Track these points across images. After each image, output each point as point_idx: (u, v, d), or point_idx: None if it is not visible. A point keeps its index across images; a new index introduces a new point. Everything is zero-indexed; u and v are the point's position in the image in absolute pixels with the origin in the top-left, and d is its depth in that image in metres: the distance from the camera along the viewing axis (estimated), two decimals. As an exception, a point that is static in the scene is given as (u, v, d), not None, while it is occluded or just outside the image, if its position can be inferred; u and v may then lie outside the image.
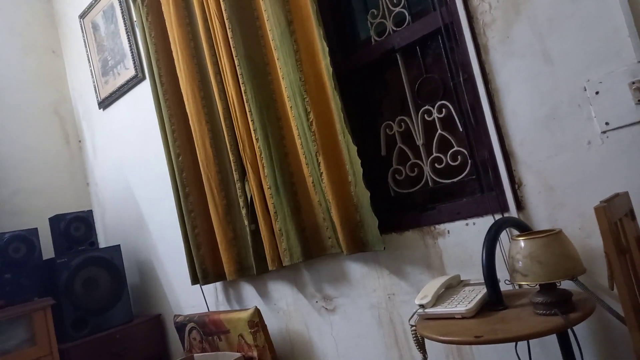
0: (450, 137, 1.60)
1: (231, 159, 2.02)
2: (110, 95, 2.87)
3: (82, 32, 3.05)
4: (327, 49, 1.65)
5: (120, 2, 2.70)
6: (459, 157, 1.58)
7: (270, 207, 1.87)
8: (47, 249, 2.58)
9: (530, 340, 1.32)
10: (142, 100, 2.65)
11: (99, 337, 2.42)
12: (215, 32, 1.97)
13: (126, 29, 2.69)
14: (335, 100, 1.65)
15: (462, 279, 1.39)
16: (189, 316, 2.28)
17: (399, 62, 1.69)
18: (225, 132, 2.02)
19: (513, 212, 1.38)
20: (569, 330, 1.16)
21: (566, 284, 1.12)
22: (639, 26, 1.16)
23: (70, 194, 3.13)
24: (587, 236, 1.25)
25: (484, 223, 1.43)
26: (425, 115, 1.65)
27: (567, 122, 1.27)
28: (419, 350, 1.27)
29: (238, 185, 2.01)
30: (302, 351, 2.03)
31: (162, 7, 2.24)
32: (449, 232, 1.54)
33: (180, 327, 2.31)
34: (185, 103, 2.17)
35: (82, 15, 3.02)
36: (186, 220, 2.20)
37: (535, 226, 1.34)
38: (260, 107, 1.85)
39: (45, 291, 2.40)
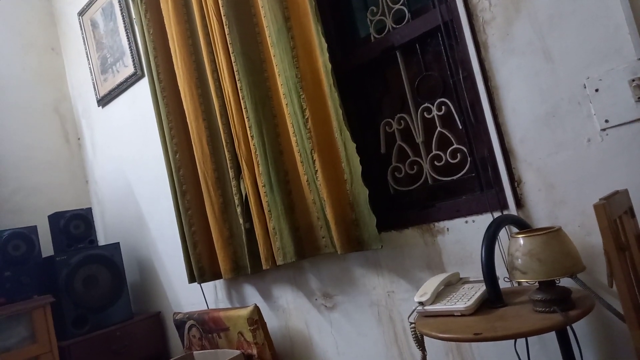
0: (449, 135, 1.59)
1: (227, 156, 2.02)
2: (110, 92, 2.87)
3: (81, 29, 3.04)
4: (325, 45, 1.64)
5: (119, -1, 2.69)
6: (458, 154, 1.57)
7: (265, 205, 1.86)
8: (47, 247, 2.58)
9: (529, 338, 1.32)
10: (141, 98, 2.65)
11: (99, 335, 2.42)
12: (213, 28, 1.96)
13: (125, 27, 2.68)
14: (332, 97, 1.64)
15: (461, 276, 1.39)
16: (189, 314, 2.28)
17: (399, 59, 1.69)
18: (221, 130, 2.02)
19: (512, 209, 1.37)
20: (568, 328, 1.17)
21: (565, 282, 1.13)
22: (639, 23, 1.15)
23: (69, 192, 3.13)
24: (587, 234, 1.25)
25: (484, 221, 1.43)
26: (425, 113, 1.65)
27: (567, 120, 1.27)
28: (419, 348, 1.27)
29: (233, 183, 2.01)
30: (301, 349, 2.03)
31: (161, 4, 2.23)
32: (448, 230, 1.54)
33: (179, 325, 2.32)
34: (183, 100, 2.17)
35: (81, 13, 3.02)
36: (183, 219, 2.20)
37: (535, 224, 1.34)
38: (255, 104, 1.84)
39: (45, 289, 2.41)
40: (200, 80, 2.11)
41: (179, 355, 2.25)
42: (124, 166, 2.88)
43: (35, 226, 2.47)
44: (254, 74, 1.86)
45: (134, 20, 2.48)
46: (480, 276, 1.22)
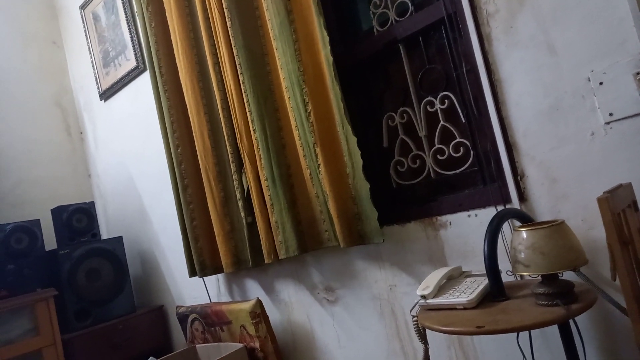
0: (452, 129, 1.59)
1: (229, 150, 2.01)
2: (112, 86, 2.86)
3: (83, 23, 3.04)
4: (327, 38, 1.63)
5: (120, -8, 2.68)
6: (461, 148, 1.57)
7: (267, 199, 1.86)
8: (50, 240, 2.58)
9: (531, 331, 1.32)
10: (143, 92, 2.64)
11: (102, 328, 2.43)
12: (215, 22, 1.96)
13: (127, 20, 2.67)
14: (334, 90, 1.64)
15: (463, 270, 1.39)
16: (191, 307, 2.29)
17: (402, 52, 1.68)
18: (223, 124, 2.01)
19: (515, 203, 1.37)
20: (571, 321, 1.17)
21: (568, 275, 1.12)
22: (644, 16, 1.15)
23: (72, 186, 3.13)
24: (590, 227, 1.24)
25: (486, 214, 1.43)
26: (428, 107, 1.65)
27: (570, 114, 1.26)
28: (421, 341, 1.27)
29: (235, 177, 2.01)
30: (303, 342, 2.04)
31: (163, -3, 2.23)
32: (450, 224, 1.54)
33: (182, 318, 2.33)
34: (185, 94, 2.16)
35: (83, 6, 3.01)
36: (184, 213, 2.20)
37: (538, 218, 1.34)
38: (258, 98, 1.83)
39: (48, 282, 2.42)
40: (202, 74, 2.11)
41: (182, 349, 2.26)
42: (126, 160, 2.88)
43: (39, 220, 2.48)
44: (256, 68, 1.85)
45: (136, 14, 2.47)
46: (482, 270, 1.22)
